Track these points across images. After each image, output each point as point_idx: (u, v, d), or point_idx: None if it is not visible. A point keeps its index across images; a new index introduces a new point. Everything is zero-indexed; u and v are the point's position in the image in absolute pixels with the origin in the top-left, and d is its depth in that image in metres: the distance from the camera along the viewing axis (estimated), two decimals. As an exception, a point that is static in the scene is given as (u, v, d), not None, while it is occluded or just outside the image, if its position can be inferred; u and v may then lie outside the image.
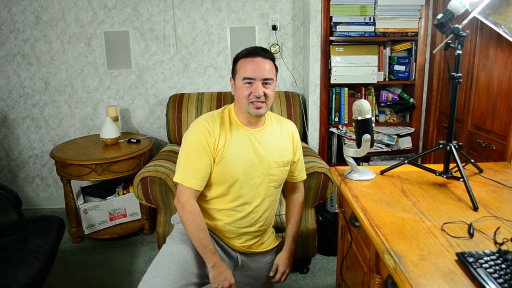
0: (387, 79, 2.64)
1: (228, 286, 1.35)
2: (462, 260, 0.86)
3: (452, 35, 1.26)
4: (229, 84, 2.88)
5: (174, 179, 1.42)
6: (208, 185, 1.44)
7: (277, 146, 1.48)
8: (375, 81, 2.55)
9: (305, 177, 1.64)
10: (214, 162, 1.40)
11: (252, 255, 1.53)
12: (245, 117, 1.43)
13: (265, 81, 1.37)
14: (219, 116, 1.45)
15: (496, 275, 0.80)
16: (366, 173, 1.40)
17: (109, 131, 2.55)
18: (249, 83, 1.36)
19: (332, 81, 2.54)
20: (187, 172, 1.37)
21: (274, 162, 1.46)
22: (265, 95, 1.37)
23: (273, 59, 1.42)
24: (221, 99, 2.62)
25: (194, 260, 1.36)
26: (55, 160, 2.44)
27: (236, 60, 1.43)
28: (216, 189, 1.44)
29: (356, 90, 2.67)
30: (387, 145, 2.62)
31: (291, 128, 1.56)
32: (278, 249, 1.63)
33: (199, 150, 1.38)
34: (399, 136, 2.63)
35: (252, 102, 1.37)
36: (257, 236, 1.52)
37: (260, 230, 1.51)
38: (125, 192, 2.69)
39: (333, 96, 2.62)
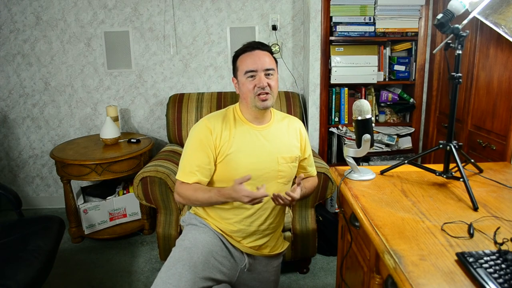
0: (387, 79, 2.64)
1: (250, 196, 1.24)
2: (462, 260, 0.86)
3: (452, 35, 1.26)
4: (229, 84, 2.92)
5: (176, 177, 1.44)
6: (213, 183, 1.44)
7: (284, 142, 1.48)
8: (375, 81, 2.55)
9: (316, 172, 1.65)
10: (216, 160, 1.41)
11: (260, 258, 1.52)
12: (252, 113, 1.44)
13: (267, 72, 1.39)
14: (221, 114, 1.46)
15: (496, 275, 0.80)
16: (366, 173, 1.40)
17: (109, 131, 2.55)
18: (252, 76, 1.38)
19: (332, 81, 2.54)
20: (186, 169, 1.40)
21: (282, 158, 1.46)
22: (269, 86, 1.38)
23: (271, 52, 1.44)
24: (221, 99, 2.62)
25: (204, 264, 1.35)
26: (55, 160, 2.44)
27: (235, 58, 1.45)
28: (221, 187, 1.43)
29: (356, 90, 2.67)
30: (387, 145, 2.62)
31: (298, 126, 1.56)
32: (285, 253, 1.63)
33: (198, 148, 1.39)
34: (399, 136, 2.63)
35: (258, 95, 1.38)
36: (267, 235, 1.51)
37: (270, 228, 1.50)
38: (125, 192, 2.69)
39: (333, 96, 2.62)
